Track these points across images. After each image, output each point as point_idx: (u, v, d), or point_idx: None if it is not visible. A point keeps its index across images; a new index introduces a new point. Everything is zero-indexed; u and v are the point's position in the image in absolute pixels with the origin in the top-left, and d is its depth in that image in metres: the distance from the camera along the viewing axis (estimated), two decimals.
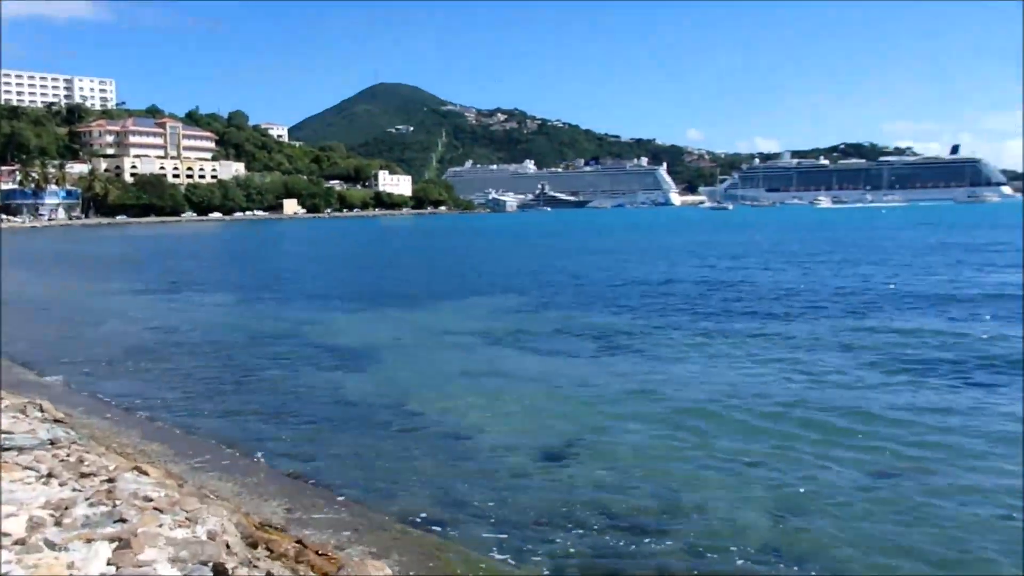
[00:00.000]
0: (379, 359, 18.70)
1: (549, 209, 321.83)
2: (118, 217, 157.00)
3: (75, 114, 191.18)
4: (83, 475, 7.67)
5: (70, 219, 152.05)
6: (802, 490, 9.82)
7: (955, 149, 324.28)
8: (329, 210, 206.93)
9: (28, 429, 9.25)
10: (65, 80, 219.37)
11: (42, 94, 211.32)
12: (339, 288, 36.25)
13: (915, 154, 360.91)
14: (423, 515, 9.17)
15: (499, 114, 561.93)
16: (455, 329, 23.06)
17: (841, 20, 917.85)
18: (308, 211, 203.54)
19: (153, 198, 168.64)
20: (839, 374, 16.02)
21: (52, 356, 19.02)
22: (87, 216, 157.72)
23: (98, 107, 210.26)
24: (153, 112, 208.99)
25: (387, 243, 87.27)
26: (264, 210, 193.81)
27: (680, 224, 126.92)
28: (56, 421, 10.65)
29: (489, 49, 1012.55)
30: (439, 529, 8.88)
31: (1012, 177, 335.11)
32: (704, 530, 8.93)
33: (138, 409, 13.88)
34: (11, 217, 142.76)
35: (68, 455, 8.28)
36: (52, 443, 8.72)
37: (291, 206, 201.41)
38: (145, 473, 8.07)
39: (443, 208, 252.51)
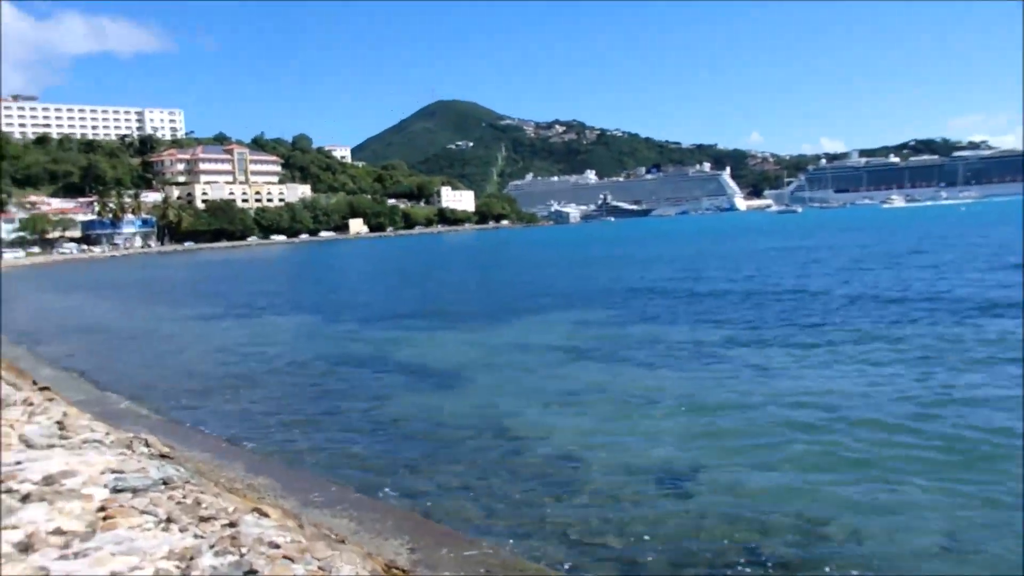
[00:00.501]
0: (471, 379, 18.13)
1: (612, 219, 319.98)
2: (186, 244, 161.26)
3: (147, 145, 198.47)
4: (203, 519, 7.20)
5: (146, 247, 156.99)
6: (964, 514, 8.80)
7: None
8: (391, 228, 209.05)
9: (138, 467, 8.87)
10: (136, 112, 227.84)
11: (115, 127, 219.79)
12: (416, 306, 35.95)
13: (990, 148, 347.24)
14: (551, 552, 8.49)
15: (557, 126, 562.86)
16: (541, 345, 22.40)
17: (903, 15, 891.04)
18: (372, 230, 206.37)
19: (224, 223, 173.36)
20: (968, 387, 14.78)
21: (143, 385, 19.00)
22: (162, 243, 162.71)
23: (168, 137, 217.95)
24: (221, 139, 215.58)
25: (456, 259, 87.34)
26: (330, 230, 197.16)
27: (750, 230, 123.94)
28: (163, 456, 10.31)
29: (545, 62, 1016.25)
30: (569, 568, 8.19)
31: None
32: (859, 562, 8.05)
33: (238, 440, 13.54)
34: (91, 247, 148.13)
35: (184, 496, 7.83)
36: (165, 483, 8.30)
37: (356, 225, 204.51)
38: (266, 515, 7.57)
39: (506, 222, 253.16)
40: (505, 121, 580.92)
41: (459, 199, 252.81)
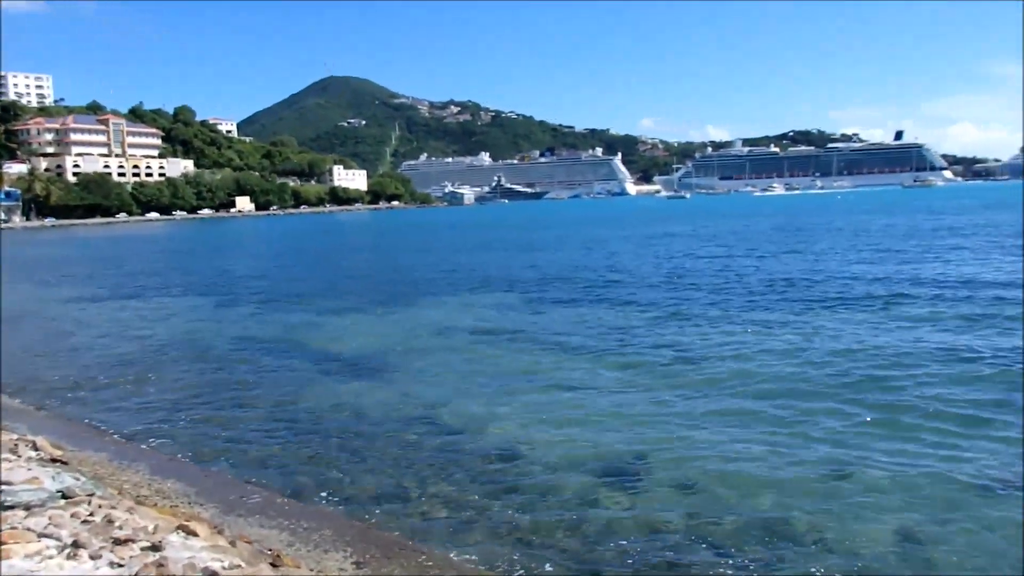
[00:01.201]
0: (391, 366, 17.12)
1: (506, 201, 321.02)
2: (47, 220, 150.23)
3: (10, 112, 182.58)
4: (118, 542, 6.05)
5: (11, 222, 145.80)
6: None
7: (899, 135, 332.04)
8: (275, 207, 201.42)
9: (28, 476, 7.55)
10: None
11: None
12: (318, 287, 34.34)
13: (861, 140, 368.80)
14: (504, 556, 7.79)
15: (452, 106, 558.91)
16: (459, 328, 21.57)
17: (787, 10, 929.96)
18: (260, 208, 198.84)
19: (99, 198, 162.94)
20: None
21: (23, 376, 17.04)
22: (28, 219, 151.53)
23: (35, 104, 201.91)
24: (94, 108, 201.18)
25: (353, 240, 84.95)
26: (215, 208, 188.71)
27: (644, 214, 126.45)
28: (54, 461, 8.93)
29: (441, 41, 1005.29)
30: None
31: (952, 162, 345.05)
32: (812, 553, 7.73)
33: (138, 437, 12.12)
34: None
35: (91, 513, 6.61)
36: (65, 496, 7.05)
37: (243, 203, 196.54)
38: (193, 533, 6.47)
39: (400, 203, 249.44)
40: (399, 99, 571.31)
41: (351, 178, 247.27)
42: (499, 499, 9.33)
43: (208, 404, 14.10)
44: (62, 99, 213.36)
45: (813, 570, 7.52)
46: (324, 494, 9.50)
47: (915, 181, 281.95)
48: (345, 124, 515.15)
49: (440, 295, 29.33)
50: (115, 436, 12.11)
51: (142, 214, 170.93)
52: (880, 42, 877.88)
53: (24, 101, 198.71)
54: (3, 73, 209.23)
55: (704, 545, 8.13)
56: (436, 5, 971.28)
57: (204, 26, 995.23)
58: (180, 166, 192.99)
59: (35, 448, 8.96)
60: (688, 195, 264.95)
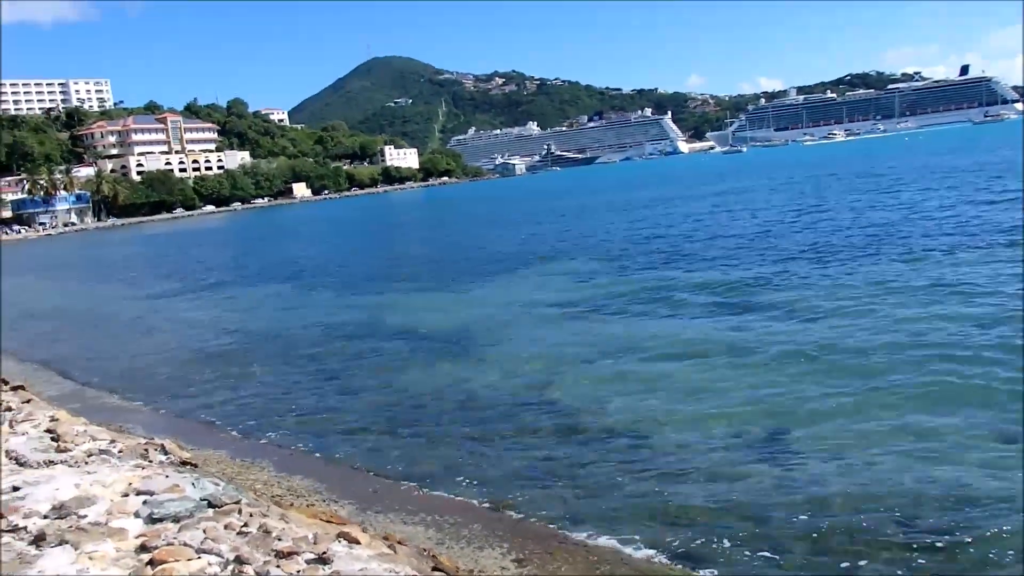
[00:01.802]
0: (485, 343, 16.66)
1: (558, 169, 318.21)
2: (111, 220, 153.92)
3: (74, 117, 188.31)
4: (281, 555, 5.65)
5: (83, 223, 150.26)
6: None
7: (964, 70, 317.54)
8: (326, 192, 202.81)
9: (168, 484, 7.25)
10: (60, 84, 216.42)
11: (39, 100, 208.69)
12: (389, 268, 34.14)
13: (923, 79, 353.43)
14: (669, 544, 7.22)
15: (497, 78, 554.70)
16: (542, 301, 21.01)
17: None
18: (316, 193, 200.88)
19: (162, 194, 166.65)
20: None
21: (123, 375, 17.12)
22: (99, 219, 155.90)
23: (96, 108, 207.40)
24: (152, 108, 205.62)
25: (413, 218, 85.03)
26: (273, 196, 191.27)
27: (702, 171, 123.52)
28: (185, 464, 8.66)
29: (480, 13, 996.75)
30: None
31: (1023, 94, 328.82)
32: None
33: (251, 432, 11.89)
34: (22, 227, 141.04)
35: (245, 524, 6.24)
36: (212, 505, 6.70)
37: (300, 190, 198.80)
38: (355, 540, 6.04)
39: (452, 178, 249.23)
40: (444, 75, 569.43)
41: (403, 157, 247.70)
42: (643, 480, 8.78)
43: (314, 393, 13.84)
44: (121, 101, 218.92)
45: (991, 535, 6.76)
46: (459, 482, 9.05)
47: (986, 116, 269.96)
48: (392, 104, 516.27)
49: (514, 268, 28.76)
50: (232, 432, 11.90)
51: (204, 207, 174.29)
52: None
53: (87, 106, 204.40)
54: (65, 80, 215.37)
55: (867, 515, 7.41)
56: None
57: (248, 19, 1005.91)
58: (237, 158, 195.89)
59: (164, 452, 8.69)
60: (744, 148, 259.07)
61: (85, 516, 6.61)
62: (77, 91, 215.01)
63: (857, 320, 14.91)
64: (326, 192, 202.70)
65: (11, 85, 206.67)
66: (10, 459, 8.38)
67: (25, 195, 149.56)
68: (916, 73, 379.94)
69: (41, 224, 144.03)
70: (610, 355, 14.42)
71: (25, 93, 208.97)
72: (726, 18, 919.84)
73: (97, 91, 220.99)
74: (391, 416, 12.03)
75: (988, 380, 10.81)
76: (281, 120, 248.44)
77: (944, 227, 26.80)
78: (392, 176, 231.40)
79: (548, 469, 9.30)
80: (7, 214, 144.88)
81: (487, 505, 8.35)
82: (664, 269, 24.55)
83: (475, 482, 9.02)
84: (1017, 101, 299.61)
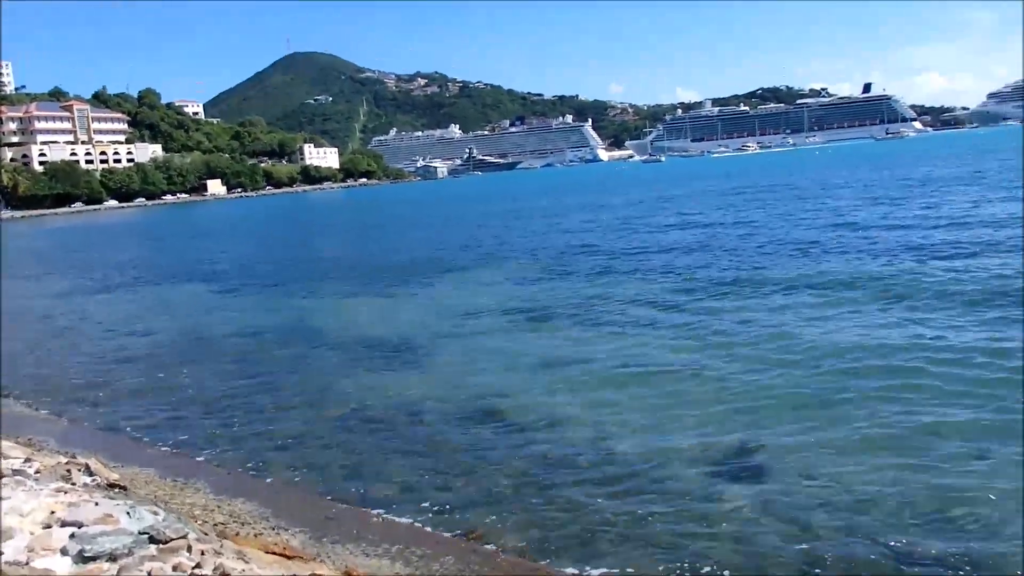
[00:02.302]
0: (424, 351, 15.94)
1: (480, 173, 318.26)
2: (13, 212, 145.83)
3: None
4: None
5: None
6: None
7: (867, 88, 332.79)
8: (242, 190, 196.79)
9: (99, 514, 6.36)
10: None
11: None
12: (315, 270, 32.87)
13: (830, 95, 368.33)
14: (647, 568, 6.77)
15: (419, 79, 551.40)
16: (479, 307, 20.37)
17: None
18: (231, 190, 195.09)
19: (67, 187, 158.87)
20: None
21: (34, 379, 15.69)
22: None
23: None
24: (57, 95, 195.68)
25: (337, 219, 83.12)
26: (186, 192, 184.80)
27: (629, 180, 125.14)
28: (112, 486, 7.73)
29: (405, 12, 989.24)
30: None
31: (920, 112, 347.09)
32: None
33: (184, 448, 10.90)
34: None
35: (197, 565, 5.44)
36: (153, 539, 5.86)
37: (215, 186, 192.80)
38: None
39: (373, 179, 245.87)
40: (365, 74, 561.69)
41: (323, 156, 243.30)
42: (617, 501, 8.28)
43: (245, 405, 12.86)
44: (23, 86, 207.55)
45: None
46: (423, 508, 8.35)
47: (887, 133, 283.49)
48: (312, 101, 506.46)
49: (446, 272, 28.12)
50: (161, 448, 10.85)
51: (111, 201, 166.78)
52: None
53: None
54: None
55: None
56: None
57: (161, 5, 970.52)
58: (148, 151, 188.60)
59: (89, 472, 7.72)
60: (663, 158, 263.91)
61: (2, 554, 5.69)
62: None
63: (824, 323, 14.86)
64: (241, 190, 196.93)
65: None
66: None
67: None
68: (823, 89, 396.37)
69: None
70: (558, 365, 13.94)
71: None
72: (648, 28, 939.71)
73: None
74: (336, 431, 11.23)
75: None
76: (196, 113, 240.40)
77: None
78: (311, 176, 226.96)
79: (514, 491, 8.71)
80: None
81: (457, 534, 7.70)
82: (604, 276, 24.26)
83: (439, 507, 8.33)
84: (915, 119, 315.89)
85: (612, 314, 18.28)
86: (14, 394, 14.41)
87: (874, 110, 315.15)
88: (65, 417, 12.76)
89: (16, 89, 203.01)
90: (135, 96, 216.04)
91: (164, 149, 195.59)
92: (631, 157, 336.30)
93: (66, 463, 7.98)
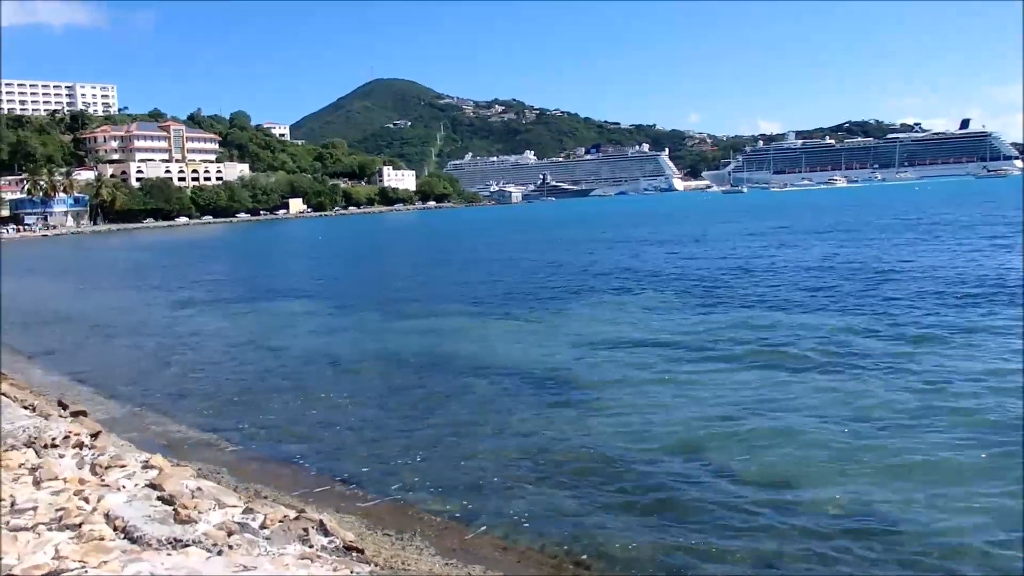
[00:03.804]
0: (587, 385, 14.45)
1: (553, 199, 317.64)
2: (108, 225, 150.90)
3: (79, 121, 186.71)
4: None
5: (78, 226, 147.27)
6: None
7: (965, 123, 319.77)
8: (318, 208, 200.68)
9: None
10: (67, 87, 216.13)
11: (45, 102, 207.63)
12: (426, 291, 31.64)
13: (923, 130, 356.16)
14: None
15: (496, 105, 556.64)
16: (631, 340, 18.71)
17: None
18: (313, 209, 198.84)
19: (160, 202, 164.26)
20: None
21: (174, 395, 14.94)
22: (95, 223, 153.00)
23: (101, 113, 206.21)
24: (155, 116, 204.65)
25: (426, 240, 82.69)
26: (269, 210, 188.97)
27: (722, 210, 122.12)
28: (349, 549, 6.38)
29: (484, 40, 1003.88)
30: None
31: (1021, 150, 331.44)
32: None
33: (383, 491, 9.55)
34: (19, 227, 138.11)
35: None
36: None
37: (297, 205, 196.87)
38: None
39: (448, 202, 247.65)
40: (444, 100, 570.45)
41: (400, 178, 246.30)
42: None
43: (431, 436, 11.57)
44: (126, 107, 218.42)
45: None
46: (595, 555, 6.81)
47: (987, 171, 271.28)
48: (391, 126, 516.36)
49: (574, 298, 26.62)
50: (353, 488, 9.55)
51: (200, 217, 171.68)
52: (941, 27, 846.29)
53: (92, 111, 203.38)
54: (72, 84, 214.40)
55: None
56: (479, 5, 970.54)
57: (253, 34, 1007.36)
58: (236, 170, 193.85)
59: (324, 531, 6.41)
60: (745, 189, 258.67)
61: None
62: (83, 95, 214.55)
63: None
64: (321, 209, 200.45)
65: (19, 86, 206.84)
66: (119, 533, 6.09)
67: (24, 195, 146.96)
68: (916, 124, 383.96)
69: (26, 225, 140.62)
70: (748, 409, 12.25)
71: (32, 94, 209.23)
72: (728, 58, 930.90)
73: (103, 96, 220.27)
74: (515, 473, 9.88)
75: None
76: (282, 135, 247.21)
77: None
78: (389, 196, 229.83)
79: (701, 545, 7.12)
80: (5, 213, 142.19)
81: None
82: (756, 309, 22.36)
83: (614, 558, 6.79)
84: (1017, 158, 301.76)
85: (806, 351, 16.32)
86: (164, 411, 13.48)
87: (973, 147, 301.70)
88: (233, 444, 11.63)
89: (120, 110, 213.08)
90: (227, 118, 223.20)
91: (251, 168, 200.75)
92: (709, 188, 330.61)
93: (295, 516, 6.67)
